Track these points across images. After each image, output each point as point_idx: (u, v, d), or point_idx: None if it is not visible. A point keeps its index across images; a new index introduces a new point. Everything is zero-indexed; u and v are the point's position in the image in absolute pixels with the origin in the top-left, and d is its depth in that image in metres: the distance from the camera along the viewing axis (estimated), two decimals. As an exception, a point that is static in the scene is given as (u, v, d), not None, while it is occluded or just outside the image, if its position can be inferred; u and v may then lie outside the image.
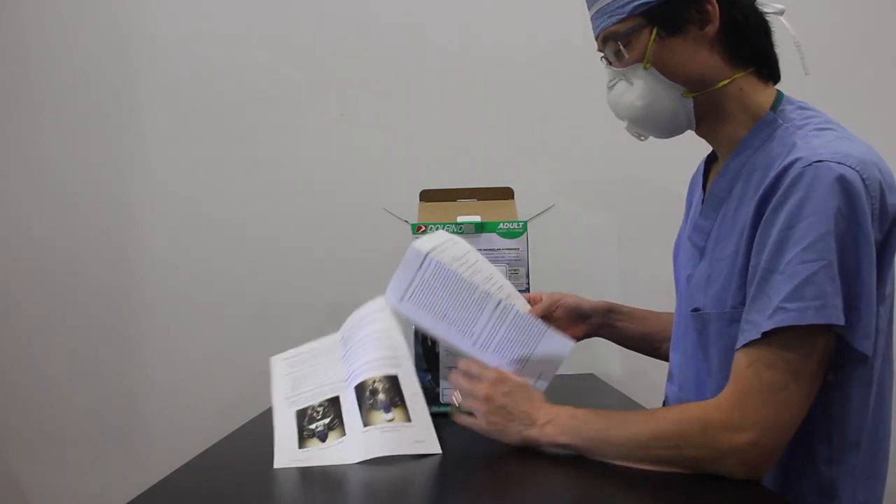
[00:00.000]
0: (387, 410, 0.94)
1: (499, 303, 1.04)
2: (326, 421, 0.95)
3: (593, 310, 1.15)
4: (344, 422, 0.94)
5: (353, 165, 1.71)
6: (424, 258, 1.03)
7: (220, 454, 0.98)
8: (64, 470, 1.71)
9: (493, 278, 1.10)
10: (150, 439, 1.71)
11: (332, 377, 1.02)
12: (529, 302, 1.15)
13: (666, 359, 1.07)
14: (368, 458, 0.88)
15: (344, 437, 0.92)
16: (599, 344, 1.21)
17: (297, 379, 1.03)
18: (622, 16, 0.89)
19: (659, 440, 0.80)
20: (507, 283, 1.12)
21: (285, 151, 1.72)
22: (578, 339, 1.16)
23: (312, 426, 0.94)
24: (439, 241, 1.08)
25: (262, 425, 1.08)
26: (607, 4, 0.90)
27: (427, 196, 1.41)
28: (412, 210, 1.40)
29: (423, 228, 1.22)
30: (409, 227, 1.24)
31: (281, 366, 1.07)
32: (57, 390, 1.71)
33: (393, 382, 0.97)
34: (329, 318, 1.70)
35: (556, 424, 0.87)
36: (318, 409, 0.97)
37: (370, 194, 1.69)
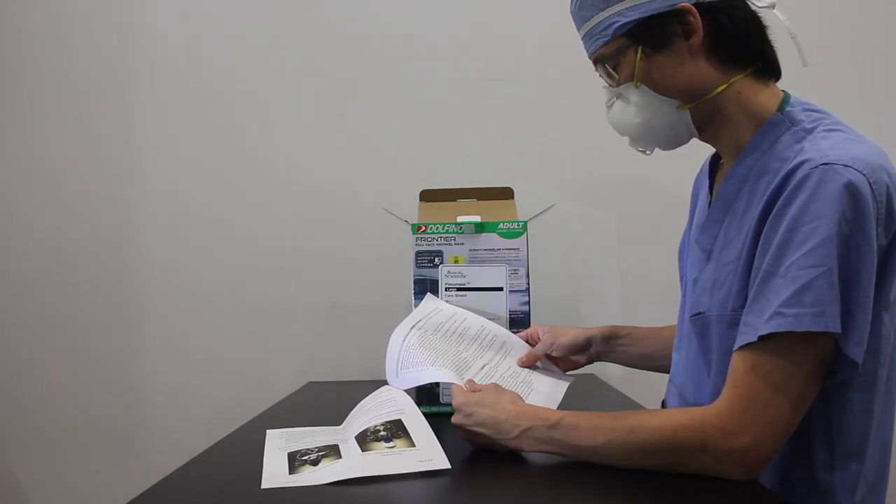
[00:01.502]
0: (387, 441, 0.89)
1: (483, 366, 1.07)
2: (321, 453, 0.89)
3: (591, 340, 1.14)
4: (340, 450, 0.89)
5: (353, 165, 1.71)
6: (407, 333, 1.07)
7: (219, 454, 0.98)
8: (64, 470, 1.71)
9: (485, 330, 1.14)
10: (149, 440, 1.71)
11: (330, 438, 0.95)
12: (528, 340, 1.16)
13: (666, 371, 1.07)
14: (367, 475, 0.81)
15: (339, 460, 0.86)
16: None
17: (290, 436, 0.98)
18: (607, 38, 0.89)
19: (654, 456, 0.79)
20: (501, 330, 1.15)
21: (285, 152, 1.72)
22: (579, 367, 1.17)
23: (304, 458, 0.88)
24: (421, 316, 1.12)
25: (261, 426, 1.08)
26: (592, 28, 0.91)
27: (427, 196, 1.41)
28: (412, 210, 1.40)
29: (423, 228, 1.22)
30: (409, 227, 1.24)
31: (275, 435, 1.00)
32: (57, 391, 1.71)
33: (395, 423, 0.92)
34: (329, 318, 1.71)
35: (531, 437, 0.86)
36: (312, 448, 0.90)
37: (370, 194, 1.69)
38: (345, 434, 0.97)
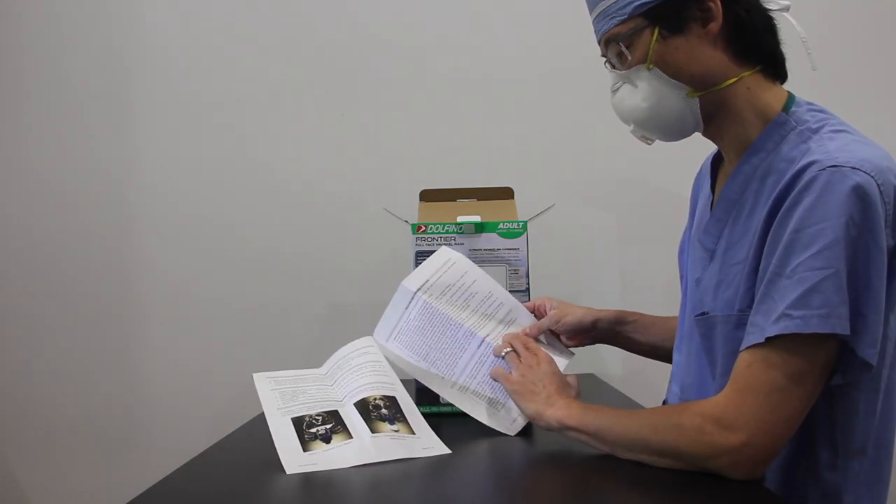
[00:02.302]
0: (391, 422, 0.94)
1: (482, 342, 1.07)
2: (328, 426, 0.91)
3: (597, 321, 1.14)
4: (347, 427, 0.92)
5: (353, 165, 1.71)
6: (412, 298, 1.07)
7: (219, 454, 0.98)
8: (64, 470, 1.71)
9: (492, 296, 1.12)
10: (149, 439, 1.70)
11: (325, 396, 0.97)
12: (534, 312, 1.16)
13: (669, 361, 1.07)
14: (382, 459, 0.87)
15: (350, 440, 0.90)
16: (600, 344, 1.21)
17: (285, 394, 0.97)
18: (623, 17, 0.88)
19: (657, 432, 0.81)
20: (508, 298, 1.13)
21: (285, 152, 1.72)
22: (580, 346, 1.16)
23: (313, 430, 0.90)
24: (431, 272, 1.10)
25: (261, 426, 1.08)
26: (608, 7, 0.89)
27: (427, 196, 1.41)
28: (412, 210, 1.40)
29: (423, 228, 1.22)
30: (409, 227, 1.24)
31: (265, 382, 0.99)
32: (57, 391, 1.71)
33: (393, 402, 0.97)
34: (329, 318, 1.71)
35: (569, 409, 0.90)
36: (317, 417, 0.92)
37: (370, 194, 1.69)
38: (336, 393, 0.98)
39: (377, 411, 0.94)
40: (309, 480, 0.82)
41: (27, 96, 1.73)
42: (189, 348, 1.71)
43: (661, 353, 1.14)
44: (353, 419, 0.93)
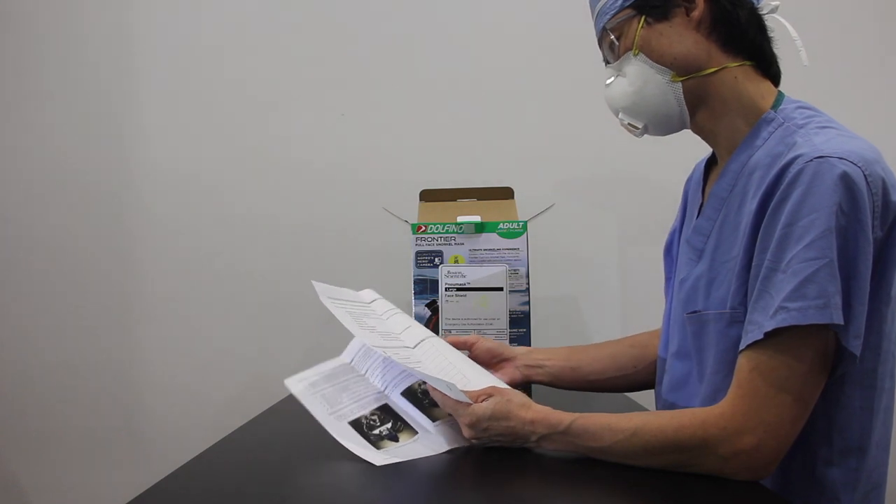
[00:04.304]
0: (435, 406, 0.93)
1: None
2: (388, 425, 0.91)
3: (515, 354, 1.10)
4: (408, 422, 0.92)
5: (353, 165, 1.71)
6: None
7: (219, 454, 0.98)
8: (64, 470, 1.71)
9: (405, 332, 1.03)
10: (149, 440, 1.71)
11: (366, 391, 0.97)
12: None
13: (601, 391, 1.11)
14: (455, 446, 0.88)
15: (418, 436, 0.90)
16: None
17: (327, 397, 0.94)
18: (615, 10, 0.93)
19: (657, 457, 0.79)
20: (416, 332, 1.03)
21: (286, 151, 1.72)
22: (517, 383, 1.10)
23: (377, 432, 0.90)
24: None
25: (261, 426, 1.08)
26: (603, 5, 0.95)
27: (427, 196, 1.42)
28: (412, 210, 1.41)
29: (423, 228, 1.22)
30: (409, 227, 1.24)
31: (302, 387, 0.95)
32: (57, 391, 1.71)
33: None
34: (329, 319, 1.70)
35: (547, 441, 0.85)
36: (373, 417, 0.92)
37: (370, 194, 1.69)
38: (376, 382, 0.98)
39: (426, 398, 0.94)
40: (307, 481, 0.82)
41: (27, 95, 1.73)
42: (189, 348, 1.71)
43: (589, 380, 1.11)
44: (406, 411, 0.94)
